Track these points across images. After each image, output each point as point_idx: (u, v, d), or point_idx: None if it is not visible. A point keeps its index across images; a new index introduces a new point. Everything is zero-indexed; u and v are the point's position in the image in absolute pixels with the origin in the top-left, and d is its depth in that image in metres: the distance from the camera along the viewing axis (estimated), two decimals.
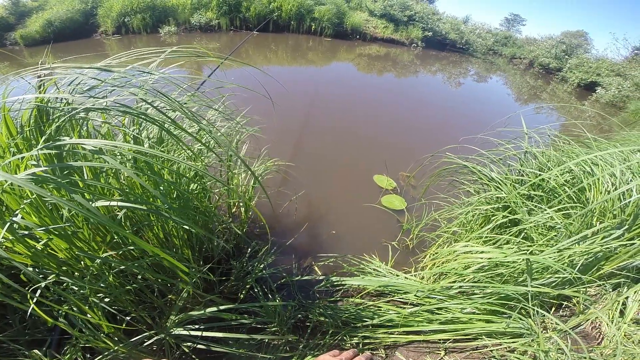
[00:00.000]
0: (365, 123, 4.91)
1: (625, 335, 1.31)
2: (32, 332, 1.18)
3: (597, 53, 14.85)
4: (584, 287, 1.46)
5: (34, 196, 0.85)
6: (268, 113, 2.58)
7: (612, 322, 1.36)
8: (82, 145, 0.83)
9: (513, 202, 1.77)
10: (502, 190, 1.88)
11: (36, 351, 1.09)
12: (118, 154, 1.13)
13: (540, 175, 1.86)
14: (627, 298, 1.43)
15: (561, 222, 1.61)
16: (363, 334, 1.51)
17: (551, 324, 1.45)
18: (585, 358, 1.20)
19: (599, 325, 1.45)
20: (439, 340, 1.47)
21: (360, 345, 1.49)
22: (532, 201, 1.85)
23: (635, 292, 1.42)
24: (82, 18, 9.08)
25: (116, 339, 1.14)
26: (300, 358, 1.39)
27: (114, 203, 0.83)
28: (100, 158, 0.87)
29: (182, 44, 1.36)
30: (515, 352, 1.34)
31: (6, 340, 1.09)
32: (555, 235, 1.64)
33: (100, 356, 1.13)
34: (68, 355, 1.12)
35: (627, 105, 9.49)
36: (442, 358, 1.44)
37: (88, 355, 1.18)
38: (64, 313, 1.03)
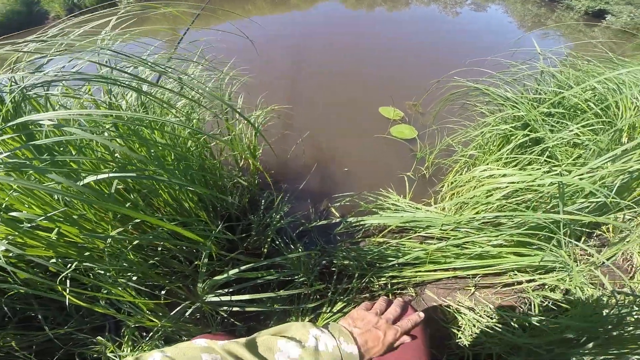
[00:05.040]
0: (360, 59, 4.54)
1: None
2: (90, 319, 1.22)
3: None
4: (621, 213, 1.35)
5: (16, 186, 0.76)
6: (256, 63, 2.34)
7: None
8: (40, 122, 0.73)
9: (533, 120, 1.64)
10: (519, 110, 1.74)
11: (99, 337, 1.16)
12: (98, 125, 1.02)
13: (561, 92, 1.69)
14: None
15: (588, 139, 1.48)
16: (390, 274, 1.51)
17: (582, 255, 1.39)
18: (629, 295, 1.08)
19: (631, 256, 1.38)
20: (468, 275, 1.46)
21: (389, 285, 1.50)
22: (553, 118, 1.71)
23: None
24: (24, 7, 7.87)
25: (160, 314, 1.14)
26: (331, 305, 1.41)
27: (103, 176, 0.73)
28: (67, 132, 0.77)
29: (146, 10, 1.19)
30: (546, 287, 1.30)
31: (74, 332, 1.13)
32: (582, 153, 1.53)
33: (152, 333, 1.18)
34: (126, 337, 1.17)
35: None
36: (473, 294, 1.45)
37: (144, 334, 1.23)
38: (103, 298, 1.02)
